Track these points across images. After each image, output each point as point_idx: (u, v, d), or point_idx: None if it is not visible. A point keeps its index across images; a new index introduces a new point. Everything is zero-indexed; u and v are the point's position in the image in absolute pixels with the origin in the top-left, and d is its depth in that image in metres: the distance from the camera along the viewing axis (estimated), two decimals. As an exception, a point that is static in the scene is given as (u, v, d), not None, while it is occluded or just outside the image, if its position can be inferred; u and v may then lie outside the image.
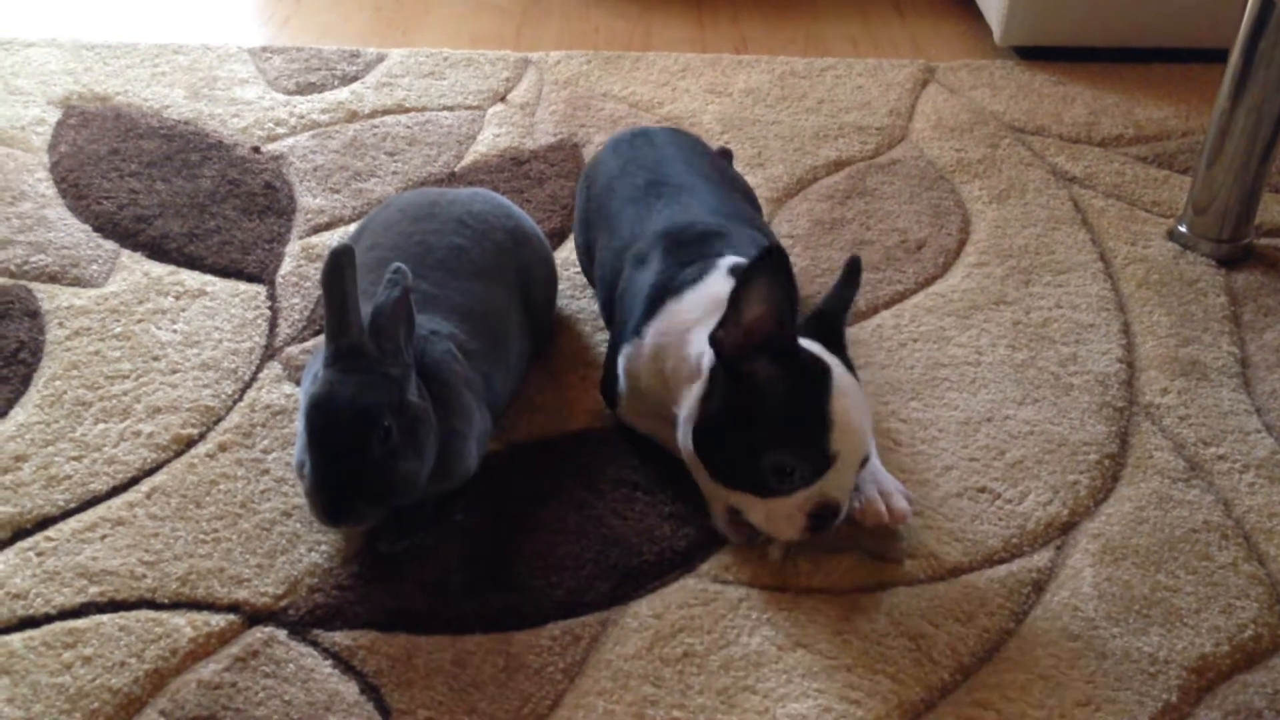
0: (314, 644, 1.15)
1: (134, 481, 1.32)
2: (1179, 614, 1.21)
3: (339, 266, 1.15)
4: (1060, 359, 1.53)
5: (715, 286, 1.28)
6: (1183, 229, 1.76)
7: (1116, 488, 1.35)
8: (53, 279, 1.61)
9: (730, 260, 1.33)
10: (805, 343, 1.21)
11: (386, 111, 2.04)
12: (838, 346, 1.25)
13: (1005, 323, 1.59)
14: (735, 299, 1.16)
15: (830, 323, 1.26)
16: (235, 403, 1.43)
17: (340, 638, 1.16)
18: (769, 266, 1.14)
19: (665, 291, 1.31)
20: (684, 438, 1.25)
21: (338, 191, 1.82)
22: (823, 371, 1.18)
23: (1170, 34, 2.25)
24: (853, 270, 1.28)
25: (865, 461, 1.21)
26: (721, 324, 1.18)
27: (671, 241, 1.37)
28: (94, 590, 1.19)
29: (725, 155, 1.78)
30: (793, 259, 1.69)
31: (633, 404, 1.36)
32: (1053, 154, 1.97)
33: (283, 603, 1.19)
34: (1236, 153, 1.69)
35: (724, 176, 1.57)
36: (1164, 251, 1.75)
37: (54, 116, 1.97)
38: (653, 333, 1.30)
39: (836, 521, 1.20)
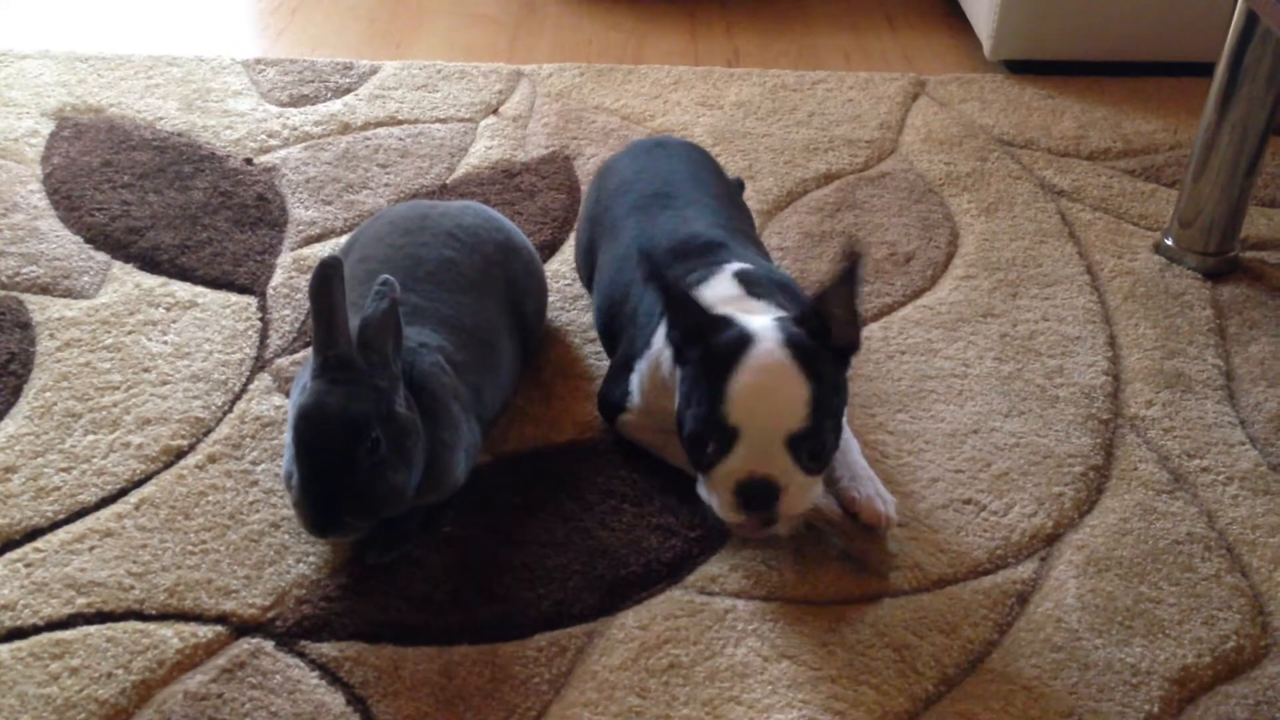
0: (301, 655, 1.16)
1: (123, 493, 1.32)
2: (1162, 625, 1.21)
3: (326, 278, 1.15)
4: (1046, 371, 1.54)
5: (720, 289, 1.31)
6: (1169, 242, 1.77)
7: (1101, 500, 1.36)
8: (44, 290, 1.62)
9: (736, 265, 1.34)
10: (759, 322, 1.21)
11: (379, 124, 2.05)
12: (818, 332, 1.21)
13: (992, 335, 1.60)
14: (666, 303, 1.23)
15: (819, 308, 1.21)
16: (225, 414, 1.43)
17: (327, 649, 1.16)
18: (645, 267, 1.23)
19: None
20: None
21: (330, 203, 1.83)
22: (738, 345, 1.18)
23: (1159, 48, 2.26)
24: (849, 261, 1.20)
25: (798, 438, 1.16)
26: (670, 325, 1.24)
27: (676, 255, 1.38)
28: (82, 601, 1.20)
29: (738, 186, 1.79)
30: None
31: (640, 417, 1.37)
32: (1041, 167, 1.98)
33: (270, 614, 1.19)
34: (1222, 166, 1.70)
35: (730, 198, 1.59)
36: (1150, 264, 1.76)
37: (47, 128, 1.98)
38: (659, 338, 1.31)
39: (780, 506, 1.17)
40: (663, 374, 1.30)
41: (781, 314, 1.26)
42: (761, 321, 1.22)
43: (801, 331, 1.21)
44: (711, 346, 1.19)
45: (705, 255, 1.38)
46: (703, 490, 1.22)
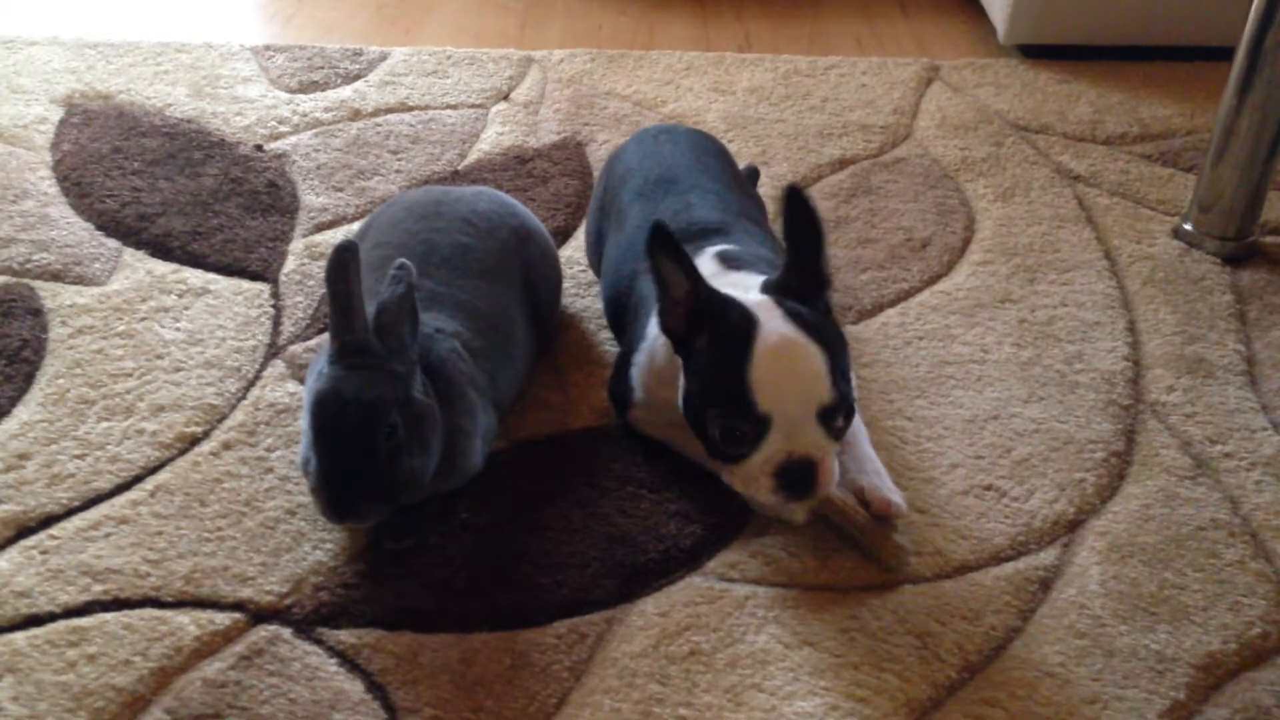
0: (319, 642, 1.15)
1: (138, 479, 1.31)
2: (1186, 611, 1.20)
3: (343, 262, 1.14)
4: (1066, 357, 1.53)
5: (700, 268, 1.28)
6: (1188, 227, 1.76)
7: (1123, 485, 1.35)
8: (55, 277, 1.61)
9: (717, 247, 1.33)
10: (756, 298, 1.19)
11: (390, 110, 2.04)
12: (812, 297, 1.20)
13: (1011, 321, 1.59)
14: (659, 280, 1.19)
15: (804, 273, 1.20)
16: (239, 401, 1.42)
17: (345, 636, 1.15)
18: (660, 238, 1.16)
19: None
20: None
21: (341, 190, 1.82)
22: (746, 330, 1.16)
23: (1175, 32, 2.24)
24: (791, 202, 1.18)
25: (829, 410, 1.15)
26: (660, 308, 1.21)
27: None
28: (98, 589, 1.19)
29: (752, 174, 1.77)
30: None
31: (647, 411, 1.36)
32: (1057, 152, 1.97)
33: (287, 601, 1.18)
34: (1242, 150, 1.69)
35: (739, 185, 1.57)
36: (1169, 249, 1.75)
37: (57, 115, 1.97)
38: (652, 327, 1.30)
39: (819, 483, 1.16)
40: (659, 363, 1.29)
41: (760, 279, 1.24)
42: (754, 297, 1.20)
43: (790, 298, 1.19)
44: (717, 334, 1.18)
45: (696, 240, 1.36)
46: (732, 480, 1.21)
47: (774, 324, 1.17)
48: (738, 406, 1.15)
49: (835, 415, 1.16)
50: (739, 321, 1.17)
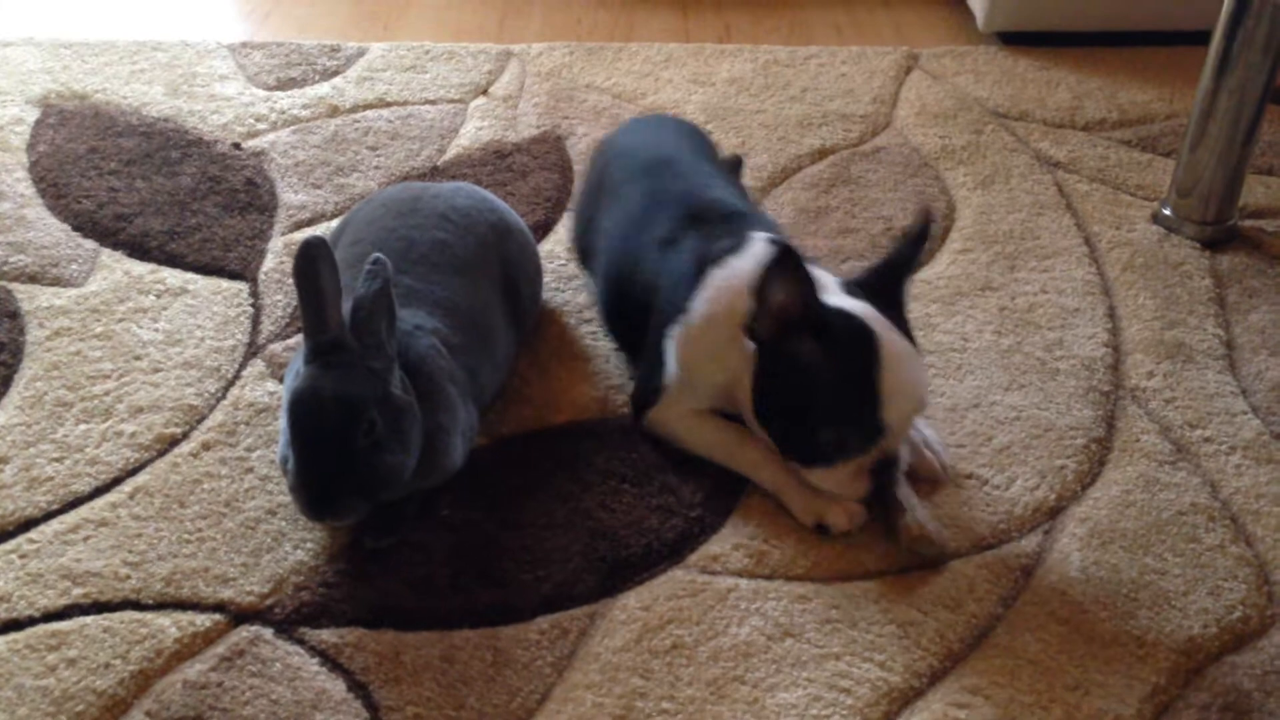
0: (300, 642, 1.14)
1: (117, 482, 1.31)
2: (1167, 596, 1.21)
3: (311, 259, 1.13)
4: (1046, 344, 1.53)
5: (758, 251, 1.28)
6: (1167, 212, 1.76)
7: (1103, 471, 1.35)
8: (32, 279, 1.60)
9: (764, 235, 1.32)
10: (852, 303, 1.21)
11: (368, 106, 2.03)
12: (893, 303, 1.24)
13: (991, 308, 1.59)
14: (759, 293, 1.19)
15: (890, 279, 1.26)
16: (218, 401, 1.42)
17: (327, 635, 1.15)
18: (785, 265, 1.17)
19: (706, 262, 1.30)
20: (748, 415, 1.26)
21: (319, 187, 1.81)
22: (868, 340, 1.18)
23: (1153, 17, 2.24)
24: (922, 227, 1.26)
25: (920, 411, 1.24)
26: (752, 317, 1.21)
27: (698, 219, 1.36)
28: (78, 592, 1.18)
29: (735, 164, 1.77)
30: (777, 248, 1.69)
31: (684, 394, 1.32)
32: (1036, 139, 1.97)
33: (268, 601, 1.18)
34: (1220, 135, 1.69)
35: (727, 175, 1.58)
36: (1148, 235, 1.75)
37: (32, 116, 1.96)
38: (701, 303, 1.29)
39: (898, 473, 1.24)
40: (711, 339, 1.27)
41: (828, 276, 1.26)
42: (852, 303, 1.21)
43: (872, 299, 1.23)
44: (831, 344, 1.18)
45: (728, 224, 1.35)
46: (810, 477, 1.24)
47: (890, 334, 1.19)
48: (865, 417, 1.18)
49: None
50: (858, 333, 1.18)
